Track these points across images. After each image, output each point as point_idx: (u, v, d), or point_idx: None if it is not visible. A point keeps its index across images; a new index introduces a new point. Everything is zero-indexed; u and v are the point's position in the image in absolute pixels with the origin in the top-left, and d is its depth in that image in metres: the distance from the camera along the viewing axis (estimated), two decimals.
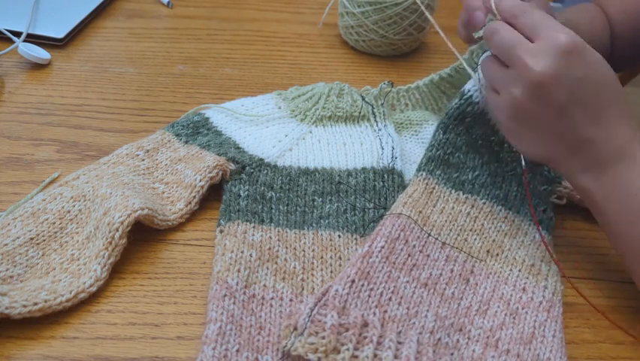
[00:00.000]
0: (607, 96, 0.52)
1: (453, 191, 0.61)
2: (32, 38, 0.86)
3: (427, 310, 0.51)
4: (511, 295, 0.55)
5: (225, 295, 0.52)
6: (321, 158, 0.67)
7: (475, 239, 0.58)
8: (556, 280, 0.57)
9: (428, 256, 0.55)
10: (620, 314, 0.56)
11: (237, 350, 0.48)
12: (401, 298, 0.51)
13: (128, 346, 0.51)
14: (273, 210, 0.61)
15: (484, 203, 0.61)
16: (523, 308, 0.54)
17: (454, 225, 0.59)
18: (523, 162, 0.59)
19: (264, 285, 0.54)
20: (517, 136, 0.57)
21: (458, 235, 0.58)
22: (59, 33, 0.87)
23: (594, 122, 0.52)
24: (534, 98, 0.52)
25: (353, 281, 0.50)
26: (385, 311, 0.50)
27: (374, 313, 0.49)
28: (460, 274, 0.55)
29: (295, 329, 0.47)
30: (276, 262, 0.56)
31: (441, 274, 0.54)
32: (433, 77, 0.73)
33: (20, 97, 0.77)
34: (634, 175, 0.52)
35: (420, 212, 0.58)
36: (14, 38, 0.84)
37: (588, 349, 0.54)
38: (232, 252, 0.55)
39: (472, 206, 0.61)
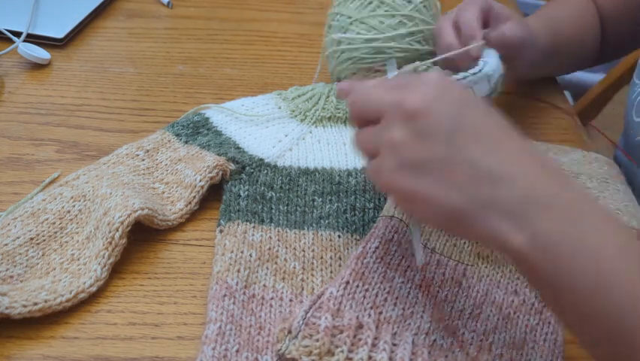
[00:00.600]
0: (496, 124, 0.44)
1: None
2: (32, 38, 0.86)
3: (423, 311, 0.51)
4: (503, 299, 0.54)
5: (225, 295, 0.52)
6: (321, 158, 0.67)
7: (465, 242, 0.58)
8: None
9: None
10: None
11: (237, 350, 0.48)
12: (396, 298, 0.51)
13: (128, 346, 0.51)
14: (273, 210, 0.61)
15: None
16: (515, 313, 0.54)
17: (442, 230, 0.58)
18: (419, 258, 0.53)
19: (264, 285, 0.54)
20: (412, 196, 0.44)
21: (447, 240, 0.58)
22: (59, 33, 0.87)
23: (497, 151, 0.42)
24: (415, 133, 0.42)
25: (347, 283, 0.50)
26: (380, 313, 0.50)
27: (369, 315, 0.49)
28: (452, 278, 0.55)
29: (290, 332, 0.47)
30: (276, 262, 0.56)
31: (434, 277, 0.54)
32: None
33: (20, 97, 0.77)
34: (567, 228, 0.40)
35: (410, 216, 0.57)
36: (14, 38, 0.84)
37: None
38: (232, 252, 0.55)
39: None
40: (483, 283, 0.56)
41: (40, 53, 0.83)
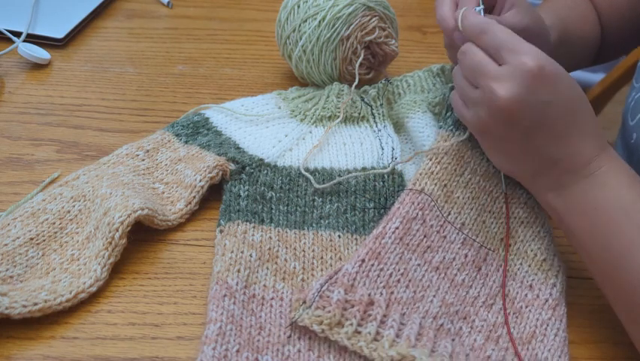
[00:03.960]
0: (572, 117, 0.52)
1: (483, 161, 0.60)
2: (32, 38, 0.86)
3: (434, 296, 0.52)
4: (517, 293, 0.55)
5: (225, 295, 0.52)
6: (321, 158, 0.67)
7: (492, 223, 0.58)
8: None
9: (445, 237, 0.56)
10: None
11: (237, 350, 0.48)
12: (409, 280, 0.53)
13: (128, 346, 0.51)
14: (273, 211, 0.61)
15: (509, 184, 0.60)
16: (527, 307, 0.54)
17: (475, 203, 0.59)
18: (504, 186, 0.60)
19: (264, 285, 0.54)
20: (488, 151, 0.58)
21: (478, 215, 0.58)
22: (59, 33, 0.87)
23: (558, 143, 0.53)
24: (499, 122, 0.53)
25: (363, 261, 0.52)
26: (392, 293, 0.51)
27: (381, 294, 0.51)
28: (473, 261, 0.56)
29: (304, 302, 0.50)
30: (276, 262, 0.56)
31: (454, 259, 0.55)
32: (432, 67, 0.75)
33: (20, 97, 0.77)
34: (595, 192, 0.52)
35: (445, 186, 0.58)
36: (14, 38, 0.84)
37: (589, 349, 0.54)
38: (232, 252, 0.55)
39: (497, 185, 0.60)
40: (500, 273, 0.56)
41: (40, 53, 0.83)
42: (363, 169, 0.65)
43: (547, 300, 0.54)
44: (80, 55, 0.87)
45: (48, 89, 0.79)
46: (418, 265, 0.54)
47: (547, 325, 0.53)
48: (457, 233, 0.56)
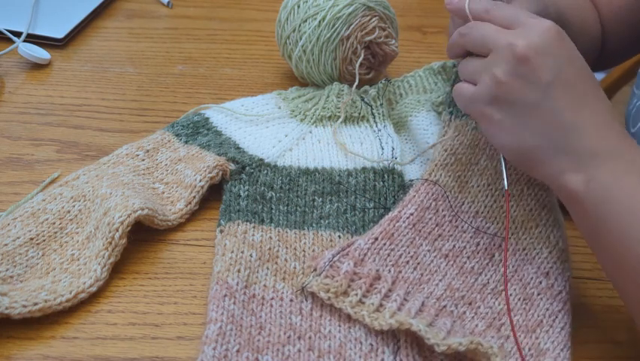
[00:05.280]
0: (590, 85, 0.50)
1: None
2: (32, 38, 0.86)
3: (440, 280, 0.54)
4: (531, 279, 0.54)
5: (225, 295, 0.52)
6: (321, 158, 0.67)
7: (512, 205, 0.57)
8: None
9: (457, 227, 0.57)
10: (621, 314, 0.56)
11: (237, 350, 0.48)
12: (418, 263, 0.54)
13: (128, 346, 0.51)
14: (273, 211, 0.61)
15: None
16: (539, 294, 0.53)
17: (491, 189, 0.58)
18: (505, 183, 0.55)
19: (264, 285, 0.54)
20: (497, 125, 0.51)
21: (494, 201, 0.58)
22: (59, 33, 0.87)
23: (580, 107, 0.49)
24: (518, 75, 0.49)
25: (376, 239, 0.54)
26: (400, 272, 0.53)
27: (389, 271, 0.53)
28: (485, 249, 0.56)
29: (315, 270, 0.53)
30: (277, 263, 0.56)
31: (465, 247, 0.56)
32: (432, 65, 0.76)
33: (20, 97, 0.77)
34: (632, 176, 0.47)
35: (459, 177, 0.58)
36: (14, 38, 0.84)
37: (589, 349, 0.54)
38: (232, 252, 0.55)
39: (516, 169, 0.58)
40: (516, 257, 0.55)
41: (40, 53, 0.83)
42: (363, 169, 0.65)
43: (561, 292, 0.53)
44: (80, 55, 0.87)
45: (48, 89, 0.79)
46: (428, 250, 0.55)
47: (557, 317, 0.52)
48: (472, 221, 0.57)
